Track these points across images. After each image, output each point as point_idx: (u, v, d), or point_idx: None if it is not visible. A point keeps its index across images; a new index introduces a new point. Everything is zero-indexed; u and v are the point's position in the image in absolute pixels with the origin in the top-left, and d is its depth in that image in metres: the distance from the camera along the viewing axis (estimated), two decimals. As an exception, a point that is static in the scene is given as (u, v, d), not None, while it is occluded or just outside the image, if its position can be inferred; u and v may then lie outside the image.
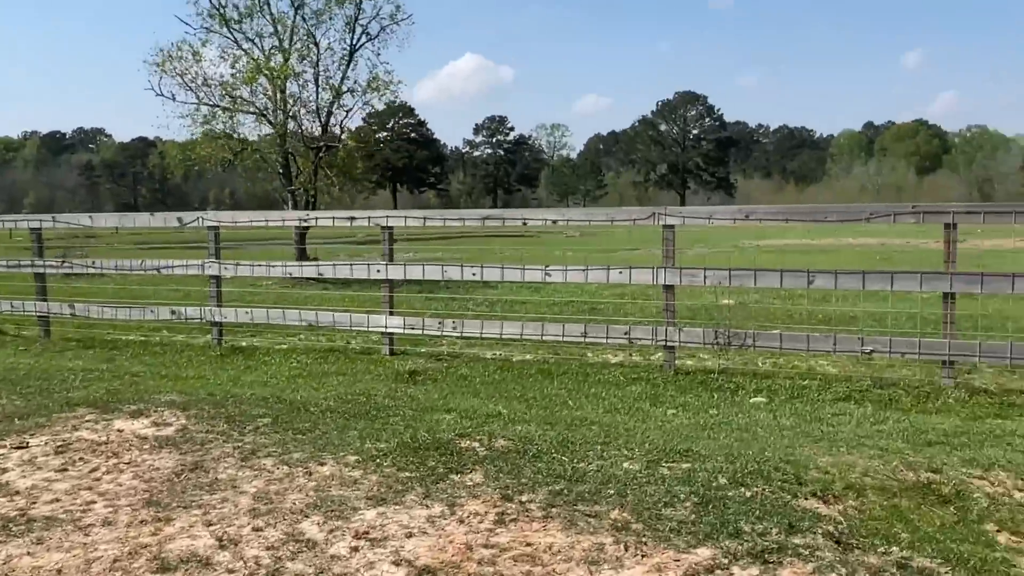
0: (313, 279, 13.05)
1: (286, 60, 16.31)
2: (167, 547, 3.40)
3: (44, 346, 9.29)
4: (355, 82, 17.33)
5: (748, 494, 3.66)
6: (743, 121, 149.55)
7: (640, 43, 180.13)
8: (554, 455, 4.23)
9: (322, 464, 4.37)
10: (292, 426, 5.11)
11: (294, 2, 16.79)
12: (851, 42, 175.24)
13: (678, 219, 7.05)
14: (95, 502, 3.98)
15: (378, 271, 8.07)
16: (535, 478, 3.91)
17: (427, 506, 3.71)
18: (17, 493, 4.13)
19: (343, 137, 17.50)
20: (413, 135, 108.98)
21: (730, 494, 3.65)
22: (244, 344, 9.18)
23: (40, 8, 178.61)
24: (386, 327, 8.13)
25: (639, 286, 9.56)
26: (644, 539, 3.32)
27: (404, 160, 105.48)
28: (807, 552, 3.27)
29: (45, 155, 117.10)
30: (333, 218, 8.48)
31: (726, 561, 3.16)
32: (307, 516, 3.66)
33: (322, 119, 16.96)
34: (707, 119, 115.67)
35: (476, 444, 4.47)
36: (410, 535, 3.42)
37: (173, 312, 9.10)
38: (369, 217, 8.17)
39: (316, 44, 16.83)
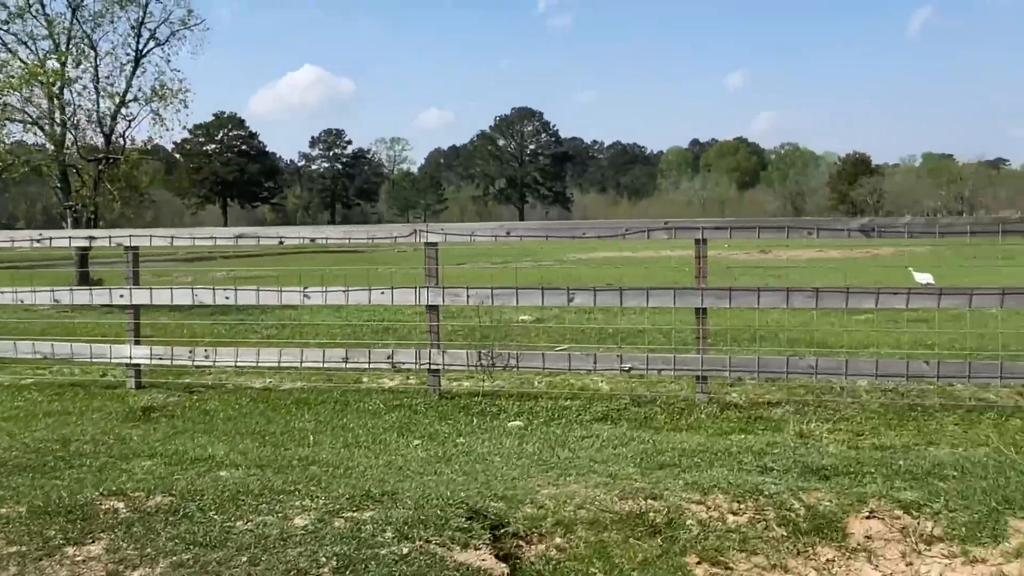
0: (105, 304, 11.93)
1: (62, 65, 14.97)
2: None
3: None
4: (140, 90, 16.16)
5: (405, 550, 3.32)
6: (579, 137, 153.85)
7: (482, 59, 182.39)
8: (212, 513, 3.73)
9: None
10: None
11: (71, 3, 15.46)
12: (681, 62, 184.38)
13: (440, 236, 6.75)
14: None
15: (121, 296, 7.32)
16: (166, 546, 3.41)
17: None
18: None
19: (128, 148, 16.23)
20: (244, 147, 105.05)
21: (383, 552, 3.30)
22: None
23: None
24: (131, 358, 7.37)
25: (403, 307, 9.11)
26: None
27: (235, 174, 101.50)
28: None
29: None
30: (70, 238, 7.64)
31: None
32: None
33: (105, 129, 15.68)
34: (543, 134, 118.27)
35: (121, 504, 3.88)
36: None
37: None
38: (110, 236, 7.39)
39: (94, 48, 15.56)
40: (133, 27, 16.28)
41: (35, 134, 15.32)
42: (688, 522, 4.03)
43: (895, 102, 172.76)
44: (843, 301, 6.19)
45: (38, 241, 7.56)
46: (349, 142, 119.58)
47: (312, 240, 7.15)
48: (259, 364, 7.18)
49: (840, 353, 6.87)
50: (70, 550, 3.36)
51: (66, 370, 8.58)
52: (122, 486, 4.16)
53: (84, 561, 3.25)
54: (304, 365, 7.09)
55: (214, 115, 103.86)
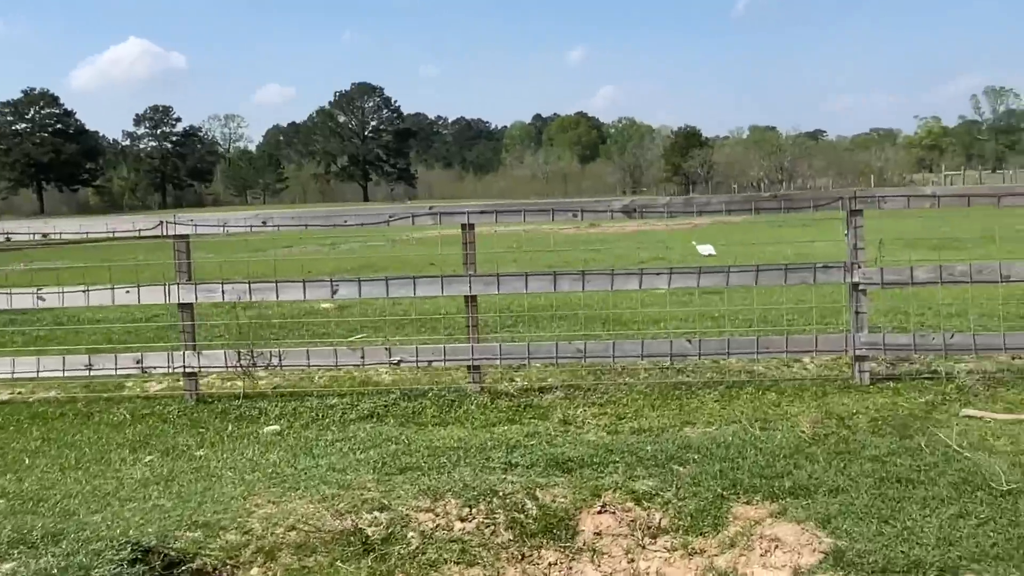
0: None
1: None
2: None
3: None
4: None
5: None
6: (423, 112, 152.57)
7: (324, 33, 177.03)
8: None
9: None
10: None
11: None
12: (524, 37, 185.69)
13: (189, 228, 6.20)
14: None
15: None
16: None
17: None
18: None
19: None
20: (59, 126, 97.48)
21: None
22: None
23: None
24: None
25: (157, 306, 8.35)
26: None
27: (50, 155, 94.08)
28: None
29: None
30: None
31: None
32: None
33: None
34: (385, 110, 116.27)
35: None
36: None
37: None
38: None
39: None
40: None
41: None
42: (410, 535, 3.78)
43: (725, 78, 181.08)
44: (608, 283, 6.13)
45: None
46: (178, 119, 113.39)
47: (45, 236, 6.41)
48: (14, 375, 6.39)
49: (633, 334, 6.86)
50: None
51: None
52: None
53: None
54: (41, 375, 6.37)
55: (23, 92, 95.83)
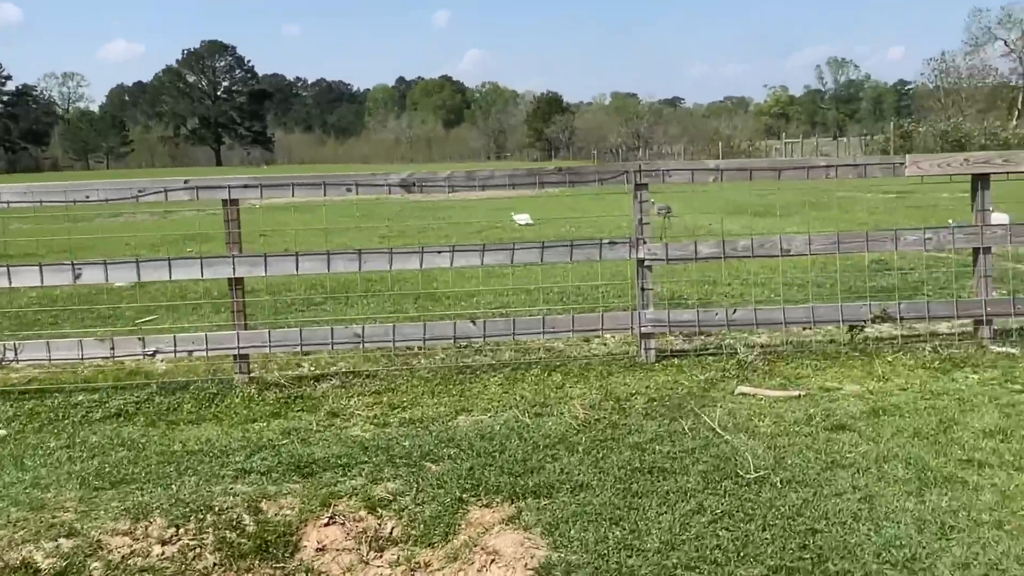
0: None
1: None
2: None
3: None
4: None
5: None
6: (280, 73, 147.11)
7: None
8: None
9: None
10: None
11: None
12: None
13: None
14: None
15: None
16: None
17: None
18: None
19: None
20: None
21: None
22: None
23: None
24: None
25: None
26: None
27: None
28: None
29: None
30: None
31: None
32: None
33: None
34: (238, 70, 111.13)
35: None
36: None
37: None
38: None
39: None
40: None
41: None
42: (93, 566, 3.29)
43: (591, 44, 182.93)
44: (387, 262, 5.73)
45: None
46: (8, 77, 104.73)
47: None
48: None
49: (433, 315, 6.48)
50: None
51: None
52: None
53: None
54: None
55: None
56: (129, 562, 3.33)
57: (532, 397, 5.37)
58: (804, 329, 6.64)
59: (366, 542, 3.51)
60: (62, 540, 3.42)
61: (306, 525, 3.64)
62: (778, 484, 3.81)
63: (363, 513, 3.70)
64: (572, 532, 3.31)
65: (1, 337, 6.08)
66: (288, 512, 3.72)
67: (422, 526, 3.58)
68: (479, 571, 3.09)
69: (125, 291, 9.86)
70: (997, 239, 5.99)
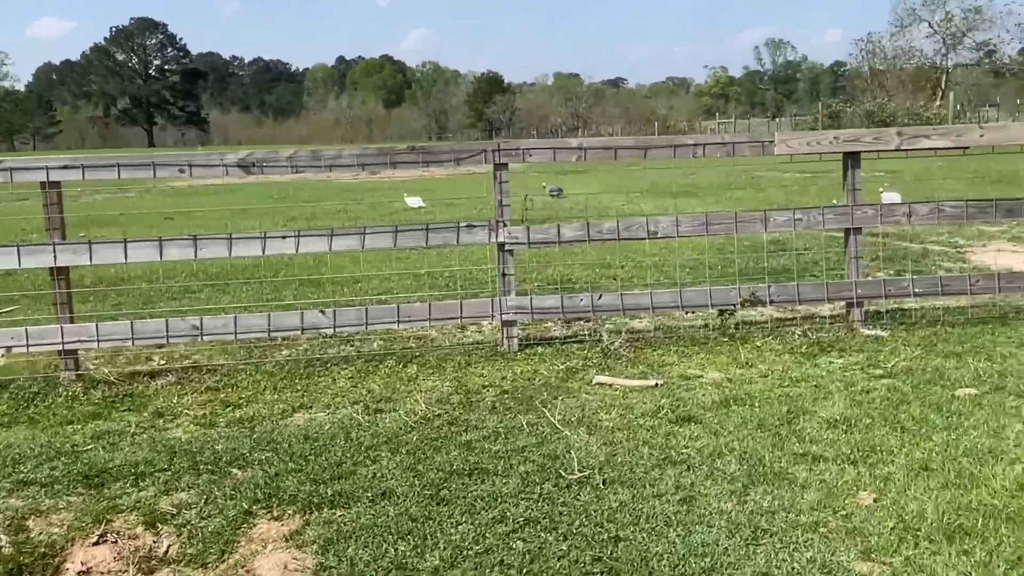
0: None
1: None
2: None
3: None
4: None
5: None
6: (216, 52, 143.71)
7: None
8: None
9: None
10: None
11: None
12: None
13: None
14: None
15: None
16: None
17: None
18: None
19: None
20: None
21: None
22: None
23: None
24: None
25: None
26: None
27: None
28: None
29: None
30: None
31: None
32: None
33: None
34: (170, 48, 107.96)
35: None
36: None
37: None
38: None
39: None
40: None
41: None
42: None
43: (535, 24, 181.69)
44: (226, 249, 5.33)
45: None
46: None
47: None
48: None
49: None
50: None
51: None
52: None
53: None
54: None
55: None
56: None
57: (380, 391, 5.06)
58: (688, 313, 6.44)
59: (136, 563, 3.16)
60: None
61: (73, 545, 3.28)
62: (600, 485, 3.56)
63: (140, 530, 3.35)
64: (350, 550, 3.01)
65: None
66: (56, 530, 3.35)
67: (201, 544, 3.24)
68: (236, 597, 2.76)
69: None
70: (868, 219, 5.82)
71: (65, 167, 5.11)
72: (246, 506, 3.43)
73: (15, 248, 5.15)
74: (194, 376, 5.42)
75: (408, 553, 2.97)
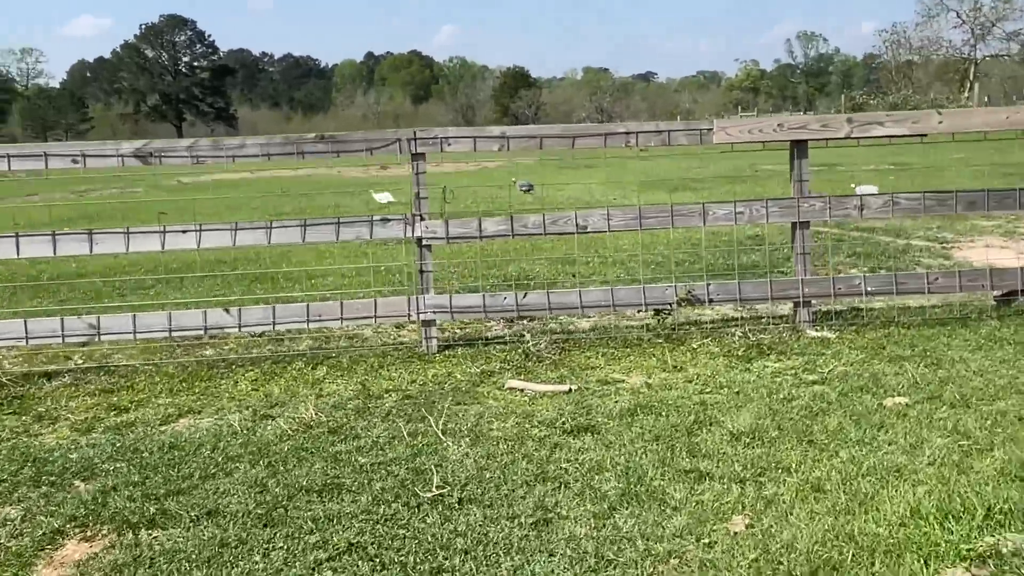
0: None
1: None
2: None
3: None
4: None
5: None
6: (246, 49, 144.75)
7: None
8: None
9: None
10: None
11: None
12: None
13: None
14: None
15: None
16: None
17: None
18: None
19: None
20: None
21: None
22: None
23: None
24: None
25: None
26: None
27: None
28: None
29: None
30: None
31: None
32: None
33: None
34: (198, 45, 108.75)
35: None
36: None
37: None
38: None
39: None
40: None
41: None
42: None
43: (567, 19, 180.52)
44: (123, 244, 5.07)
45: None
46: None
47: None
48: None
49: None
50: None
51: None
52: None
53: None
54: None
55: None
56: None
57: (278, 395, 4.77)
58: (638, 312, 6.06)
59: (-75, 586, 2.88)
60: None
61: None
62: (456, 504, 3.23)
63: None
64: (128, 581, 2.71)
65: None
66: None
67: (-1, 566, 2.95)
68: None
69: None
70: (815, 213, 5.42)
71: None
72: (59, 524, 3.15)
73: (-99, 243, 4.92)
74: (91, 377, 5.16)
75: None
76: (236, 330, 5.23)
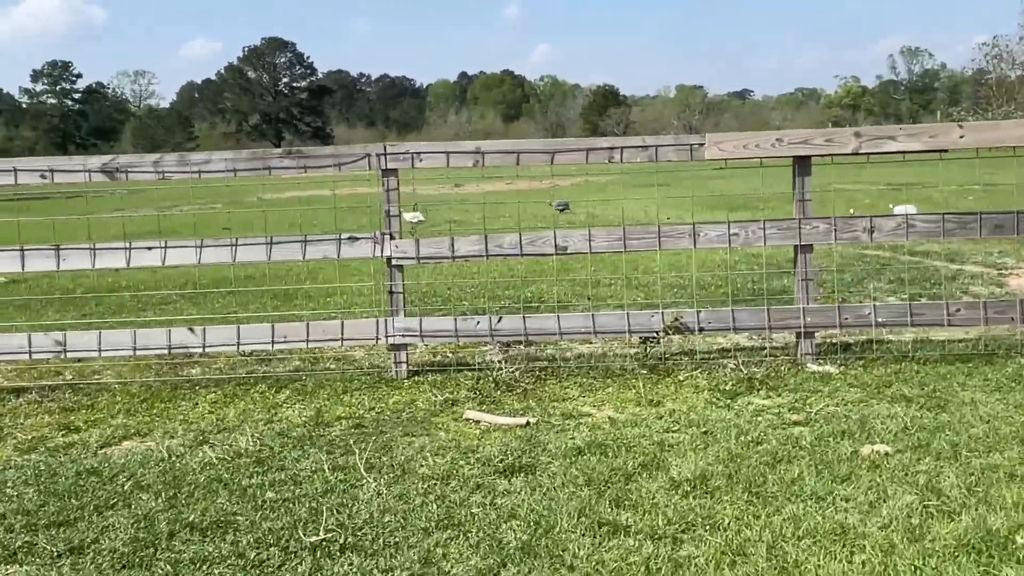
0: None
1: None
2: None
3: None
4: None
5: None
6: (344, 70, 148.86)
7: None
8: None
9: None
10: None
11: None
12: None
13: None
14: None
15: None
16: None
17: None
18: None
19: None
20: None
21: None
22: None
23: None
24: None
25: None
26: None
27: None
28: None
29: None
30: None
31: None
32: None
33: None
34: (298, 67, 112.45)
35: None
36: None
37: None
38: None
39: None
40: None
41: None
42: None
43: (662, 36, 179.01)
44: (89, 260, 5.01)
45: None
46: (79, 75, 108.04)
47: None
48: None
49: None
50: None
51: None
52: None
53: None
54: None
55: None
56: None
57: (231, 419, 4.60)
58: (644, 341, 5.66)
59: None
60: None
61: None
62: (335, 552, 2.97)
63: None
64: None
65: None
66: None
67: None
68: None
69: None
70: (819, 235, 4.94)
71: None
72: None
73: None
74: (58, 395, 5.11)
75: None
76: (200, 350, 5.09)
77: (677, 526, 3.02)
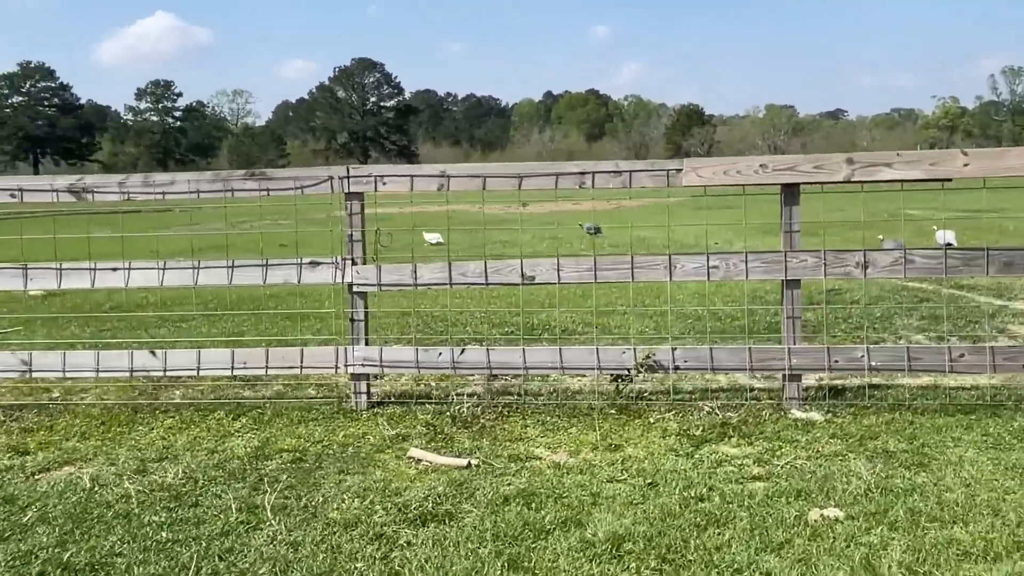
0: None
1: None
2: None
3: None
4: None
5: None
6: (432, 89, 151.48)
7: (348, 3, 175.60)
8: None
9: None
10: None
11: None
12: (545, 14, 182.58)
13: None
14: None
15: None
16: None
17: None
18: None
19: None
20: (56, 100, 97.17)
21: None
22: None
23: None
24: None
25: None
26: None
27: (45, 129, 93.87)
28: None
29: None
30: None
31: None
32: None
33: None
34: (385, 86, 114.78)
35: None
36: None
37: None
38: None
39: None
40: None
41: None
42: None
43: (753, 54, 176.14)
44: (55, 280, 4.98)
45: None
46: (179, 94, 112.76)
47: None
48: None
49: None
50: None
51: None
52: None
53: None
54: None
55: (19, 65, 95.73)
56: None
57: (178, 447, 4.49)
58: (616, 379, 5.32)
59: None
60: None
61: None
62: (194, 605, 2.75)
63: None
64: None
65: None
66: None
67: None
68: None
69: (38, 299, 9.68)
70: (808, 269, 4.53)
71: None
72: None
73: None
74: (22, 415, 5.09)
75: None
76: (161, 373, 5.00)
77: (563, 597, 2.72)
